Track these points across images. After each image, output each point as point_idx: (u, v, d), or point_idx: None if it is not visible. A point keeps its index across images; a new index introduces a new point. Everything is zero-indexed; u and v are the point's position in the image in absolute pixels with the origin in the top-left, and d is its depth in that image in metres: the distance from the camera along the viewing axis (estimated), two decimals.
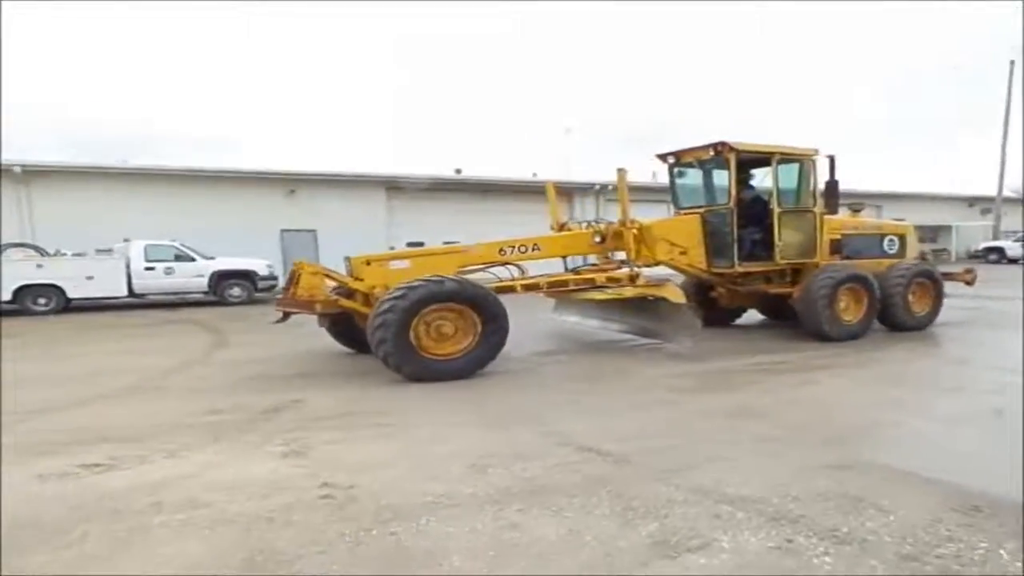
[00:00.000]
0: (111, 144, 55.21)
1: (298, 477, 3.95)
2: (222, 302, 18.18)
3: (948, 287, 10.47)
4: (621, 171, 8.57)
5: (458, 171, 28.83)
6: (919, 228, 12.32)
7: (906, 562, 2.72)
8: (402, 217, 25.96)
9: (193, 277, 18.14)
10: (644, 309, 8.58)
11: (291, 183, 24.22)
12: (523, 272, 8.54)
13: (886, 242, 10.56)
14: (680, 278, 10.16)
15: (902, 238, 10.71)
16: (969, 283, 11.38)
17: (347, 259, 8.07)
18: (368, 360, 7.37)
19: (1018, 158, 46.19)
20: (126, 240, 17.84)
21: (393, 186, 25.96)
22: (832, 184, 9.22)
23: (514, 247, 8.31)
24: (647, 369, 7.38)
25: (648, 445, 4.47)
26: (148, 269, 17.59)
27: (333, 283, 7.93)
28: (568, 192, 27.34)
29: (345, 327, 8.26)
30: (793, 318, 9.41)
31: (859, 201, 11.20)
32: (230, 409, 5.77)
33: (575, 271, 9.08)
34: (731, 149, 8.68)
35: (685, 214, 9.67)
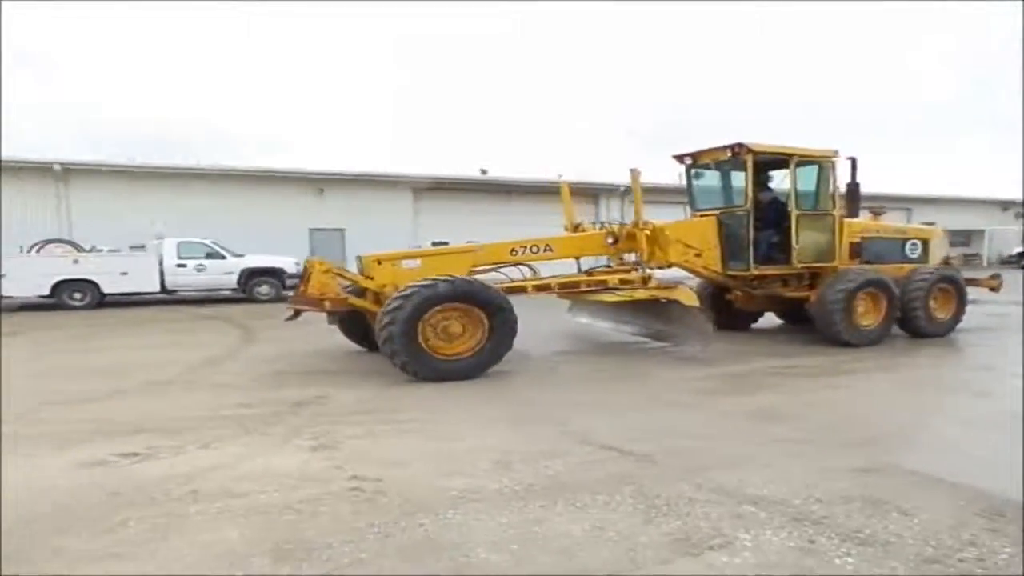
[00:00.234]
0: (145, 143, 56.28)
1: (327, 470, 4.05)
2: (251, 299, 18.48)
3: (973, 293, 10.30)
4: (634, 171, 8.51)
5: (484, 172, 28.95)
6: (950, 232, 12.11)
7: (928, 565, 2.74)
8: (428, 217, 26.17)
9: (223, 274, 18.47)
10: (657, 312, 8.55)
11: (320, 183, 24.55)
12: (535, 273, 8.51)
13: (908, 246, 10.38)
14: (695, 281, 10.14)
15: (925, 242, 10.53)
16: (994, 289, 11.13)
17: (359, 258, 8.13)
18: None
19: None
20: (159, 237, 18.22)
21: (419, 186, 26.18)
22: (853, 186, 9.11)
23: (526, 247, 8.28)
24: (666, 371, 7.39)
25: (670, 445, 4.50)
26: (180, 266, 17.96)
27: (345, 281, 7.96)
28: (593, 193, 27.33)
29: (357, 325, 8.31)
30: (811, 322, 9.31)
31: (880, 204, 11.02)
32: (260, 403, 5.91)
33: (588, 272, 9.04)
34: (748, 150, 8.62)
35: (701, 216, 9.61)
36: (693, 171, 9.78)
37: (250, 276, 18.64)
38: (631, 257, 9.09)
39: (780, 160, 9.02)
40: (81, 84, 63.74)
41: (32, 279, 16.34)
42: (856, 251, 9.64)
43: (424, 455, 4.34)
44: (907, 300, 9.27)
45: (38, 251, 17.17)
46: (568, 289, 8.80)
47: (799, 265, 9.11)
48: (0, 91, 45.28)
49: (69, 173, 20.97)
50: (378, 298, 7.43)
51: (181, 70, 68.82)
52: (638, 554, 2.86)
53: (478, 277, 7.59)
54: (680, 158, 9.74)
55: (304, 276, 7.82)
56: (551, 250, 8.46)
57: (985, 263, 35.69)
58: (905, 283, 9.38)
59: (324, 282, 7.57)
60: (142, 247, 18.10)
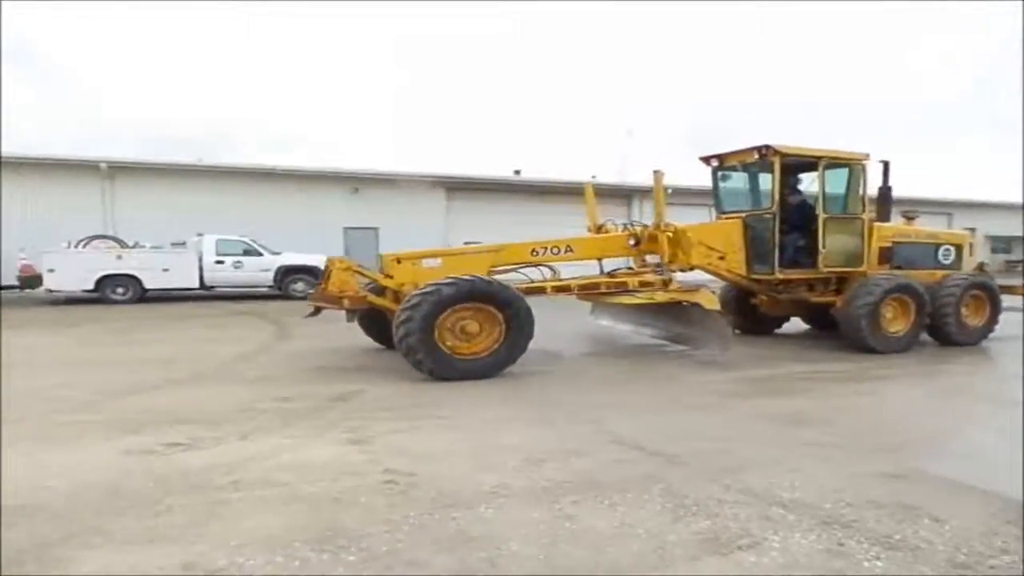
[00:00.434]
0: (186, 142, 57.52)
1: (362, 463, 4.16)
2: (286, 296, 18.83)
3: (1009, 301, 10.07)
4: (657, 173, 8.46)
5: (517, 172, 29.07)
6: (991, 239, 11.85)
7: (958, 570, 2.74)
8: (461, 217, 26.37)
9: (260, 271, 18.85)
10: (677, 315, 8.50)
11: (355, 182, 24.90)
12: (555, 274, 8.49)
13: (941, 252, 10.14)
14: (720, 285, 10.06)
15: (958, 248, 10.30)
16: None
17: (379, 256, 8.18)
18: None
19: None
20: (199, 234, 18.67)
21: (453, 186, 26.40)
22: (885, 190, 8.98)
23: (546, 248, 8.25)
24: (692, 374, 7.38)
25: (700, 447, 4.53)
26: (218, 262, 18.40)
27: (366, 280, 7.98)
28: (627, 195, 27.25)
29: (377, 324, 8.36)
30: (838, 328, 9.14)
31: (914, 208, 10.80)
32: (297, 397, 6.07)
33: (610, 274, 8.94)
34: (775, 152, 8.53)
35: (727, 218, 9.53)
36: (720, 173, 9.71)
37: (286, 273, 19.00)
38: (654, 259, 8.99)
39: (809, 163, 8.91)
40: (96, 86, 65.37)
41: (78, 273, 16.87)
42: (886, 256, 9.48)
43: (457, 451, 4.43)
44: (938, 307, 9.07)
45: (84, 247, 17.71)
46: (588, 291, 8.75)
47: (826, 270, 8.99)
48: (0, 90, 46.01)
49: (115, 171, 21.59)
50: (397, 297, 7.42)
51: (188, 69, 70.04)
52: (667, 551, 2.91)
53: (498, 277, 7.61)
54: (707, 160, 9.69)
55: (325, 274, 7.91)
56: (572, 251, 8.40)
57: None
58: (936, 290, 9.18)
59: (344, 280, 7.65)
60: (183, 244, 18.56)
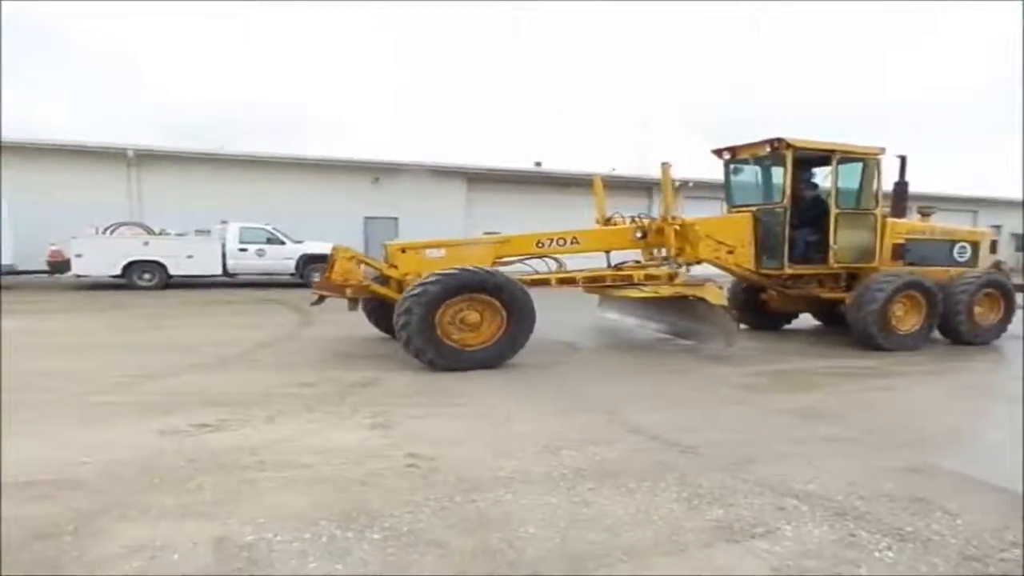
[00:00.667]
0: (210, 129, 58.06)
1: (385, 447, 4.27)
2: (308, 284, 19.01)
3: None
4: (665, 165, 8.42)
5: (538, 164, 29.05)
6: (1016, 236, 11.63)
7: (969, 562, 2.79)
8: (481, 208, 26.43)
9: (282, 259, 19.07)
10: (682, 309, 8.46)
11: (376, 171, 25.04)
12: (561, 266, 8.48)
13: (956, 249, 9.97)
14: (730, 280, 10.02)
15: (975, 245, 10.14)
16: None
17: (384, 245, 8.22)
18: None
19: None
20: (223, 222, 18.92)
21: (473, 177, 26.48)
22: (901, 186, 8.85)
23: (552, 240, 8.22)
24: (707, 368, 7.41)
25: (715, 438, 4.59)
26: (242, 250, 18.63)
27: (371, 269, 8.03)
28: (647, 187, 27.16)
29: (384, 314, 8.32)
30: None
31: (930, 205, 10.65)
32: (319, 382, 6.21)
33: (617, 267, 8.89)
34: (788, 145, 8.44)
35: (737, 212, 9.46)
36: (732, 166, 9.62)
37: (308, 262, 19.19)
38: (662, 253, 8.95)
39: (822, 157, 8.81)
40: (156, 70, 66.14)
41: (105, 259, 17.18)
42: (899, 252, 9.35)
43: (476, 437, 4.53)
44: (949, 305, 8.96)
45: (111, 233, 18.03)
46: (593, 283, 8.67)
47: (836, 265, 8.90)
48: (0, 82, 46.21)
49: (142, 159, 21.91)
50: (401, 286, 7.43)
51: (268, 58, 70.45)
52: (681, 537, 2.99)
53: (503, 269, 7.61)
54: (719, 152, 9.61)
55: (329, 262, 7.94)
56: (578, 243, 8.38)
57: None
58: (948, 287, 9.08)
59: (347, 269, 7.67)
60: (207, 231, 18.83)
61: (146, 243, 17.71)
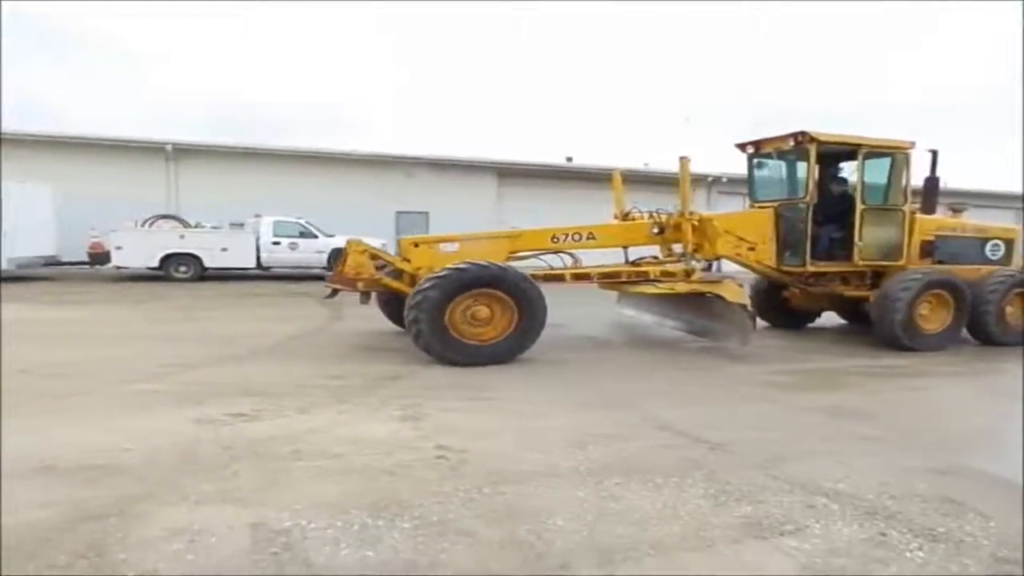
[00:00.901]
0: (245, 123, 58.86)
1: (415, 439, 4.34)
2: None
3: None
4: (683, 159, 8.26)
5: (569, 159, 29.00)
6: None
7: (1001, 564, 2.76)
8: (512, 203, 26.44)
9: (314, 253, 19.31)
10: (699, 306, 8.30)
11: (408, 166, 25.21)
12: (576, 261, 8.39)
13: (989, 247, 9.63)
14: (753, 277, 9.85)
15: (1008, 243, 9.78)
16: None
17: (398, 240, 8.19)
18: None
19: None
20: (257, 216, 19.24)
21: (504, 172, 26.53)
22: (932, 181, 8.59)
23: (568, 235, 8.12)
24: (734, 366, 7.36)
25: (744, 436, 4.58)
26: (275, 243, 18.94)
27: (383, 263, 7.99)
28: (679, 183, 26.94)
29: (396, 307, 8.29)
30: None
31: (962, 201, 10.34)
32: (349, 375, 6.32)
33: (633, 263, 8.72)
34: (811, 139, 8.26)
35: (760, 207, 9.29)
36: (755, 161, 9.43)
37: (339, 255, 19.40)
38: (681, 248, 8.72)
39: (848, 151, 8.63)
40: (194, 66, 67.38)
41: (144, 251, 17.62)
42: (928, 250, 9.10)
43: (505, 431, 4.58)
44: (978, 304, 8.71)
45: (150, 226, 18.45)
46: (608, 279, 8.60)
47: (861, 263, 8.69)
48: (0, 80, 46.96)
49: (180, 153, 22.36)
50: (414, 281, 7.38)
51: (305, 55, 71.21)
52: (708, 533, 3.00)
53: (518, 264, 7.56)
54: (742, 147, 9.45)
55: (342, 256, 7.97)
56: (594, 238, 8.26)
57: None
58: (978, 286, 8.81)
59: (360, 263, 7.67)
60: (241, 225, 19.16)
61: (182, 236, 18.10)
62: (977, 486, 3.68)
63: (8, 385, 5.50)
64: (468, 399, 5.52)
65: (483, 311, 6.95)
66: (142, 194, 21.07)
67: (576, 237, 8.17)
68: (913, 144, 8.69)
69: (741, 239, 8.66)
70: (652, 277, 8.36)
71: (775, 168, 9.44)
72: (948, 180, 8.93)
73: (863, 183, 8.55)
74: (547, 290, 7.40)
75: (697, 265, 8.38)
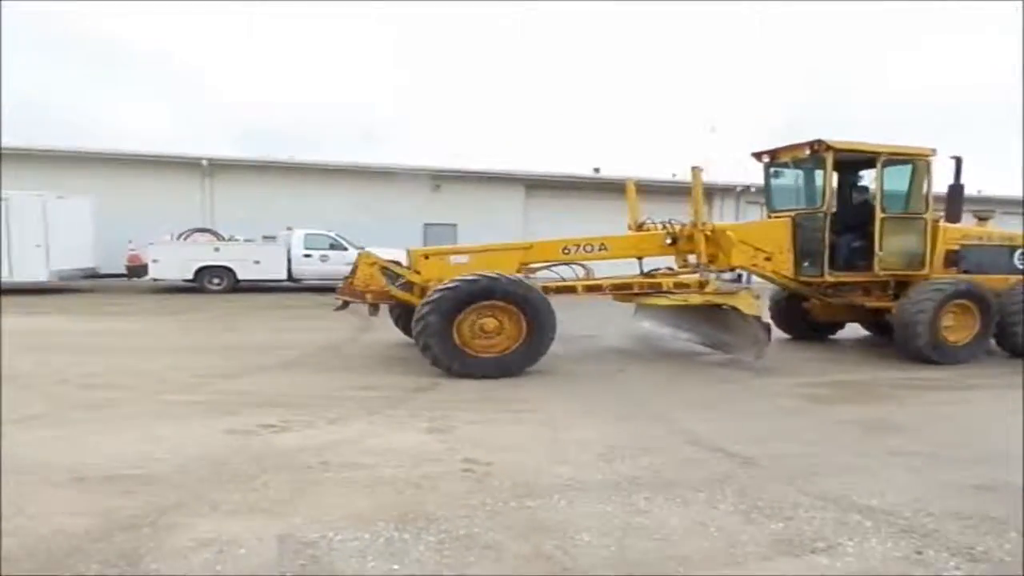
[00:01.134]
0: (276, 138, 59.80)
1: (442, 451, 4.35)
2: None
3: None
4: (695, 169, 8.13)
5: (596, 170, 28.95)
6: None
7: None
8: (539, 214, 26.47)
9: (345, 265, 19.39)
10: (714, 319, 8.17)
11: (437, 179, 25.41)
12: (588, 273, 8.29)
13: (1017, 255, 9.30)
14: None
15: None
16: None
17: (408, 251, 8.20)
18: None
19: None
20: (288, 228, 19.52)
21: (532, 183, 26.60)
22: (956, 189, 8.36)
23: (579, 246, 8.03)
24: (761, 379, 7.24)
25: (776, 450, 4.50)
26: (306, 256, 19.17)
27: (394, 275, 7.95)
28: (708, 193, 26.73)
29: (408, 318, 8.09)
30: None
31: (990, 208, 10.01)
32: (380, 386, 6.36)
33: (647, 275, 8.55)
34: (828, 147, 8.09)
35: (777, 217, 9.12)
36: (772, 169, 9.28)
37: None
38: (695, 260, 8.56)
39: (867, 159, 8.45)
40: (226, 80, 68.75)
41: (179, 264, 17.99)
42: (952, 259, 8.83)
43: (532, 443, 4.56)
44: (1005, 315, 8.45)
45: (185, 239, 18.84)
46: (620, 291, 8.44)
47: (883, 273, 8.47)
48: (0, 88, 47.51)
49: (215, 168, 22.84)
50: (424, 292, 7.31)
51: (334, 67, 72.38)
52: (738, 550, 2.95)
53: (530, 276, 7.50)
54: (758, 156, 9.30)
55: (353, 268, 7.97)
56: (606, 249, 8.17)
57: None
58: (1005, 297, 8.56)
59: (369, 275, 7.67)
60: (273, 238, 19.45)
61: (216, 249, 18.43)
62: (1017, 503, 3.56)
63: (48, 393, 5.65)
64: (495, 411, 5.51)
65: (491, 323, 6.91)
66: (178, 208, 21.50)
67: (588, 248, 8.11)
68: (934, 151, 8.49)
69: (758, 249, 8.48)
70: (665, 288, 8.23)
71: (792, 177, 9.29)
72: (979, 188, 8.64)
73: (883, 191, 8.37)
74: (566, 303, 7.36)
75: (713, 276, 8.24)
